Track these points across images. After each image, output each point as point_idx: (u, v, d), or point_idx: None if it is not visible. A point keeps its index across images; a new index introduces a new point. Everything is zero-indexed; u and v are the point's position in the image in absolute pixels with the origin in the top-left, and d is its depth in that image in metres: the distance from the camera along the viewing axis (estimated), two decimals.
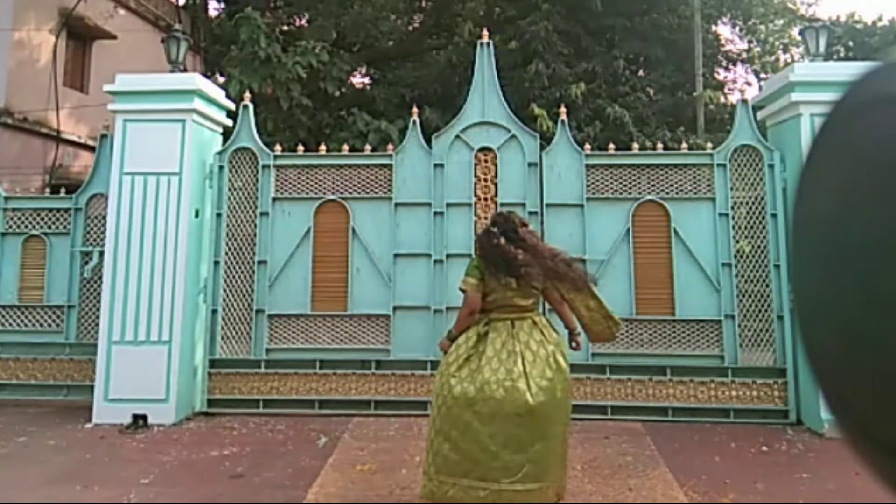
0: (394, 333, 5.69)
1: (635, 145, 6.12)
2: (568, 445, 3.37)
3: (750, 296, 5.55)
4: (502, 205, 5.68)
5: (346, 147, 6.14)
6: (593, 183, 5.77)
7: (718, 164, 5.69)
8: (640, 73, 12.85)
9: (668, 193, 5.71)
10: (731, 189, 5.67)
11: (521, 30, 11.83)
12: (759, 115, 5.97)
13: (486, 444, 3.04)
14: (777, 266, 5.49)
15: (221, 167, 5.92)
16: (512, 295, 3.30)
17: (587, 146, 5.93)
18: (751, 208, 5.65)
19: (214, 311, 5.76)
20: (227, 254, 5.83)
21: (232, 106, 6.37)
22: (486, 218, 5.75)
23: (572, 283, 3.36)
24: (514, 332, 3.26)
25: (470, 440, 3.07)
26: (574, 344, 3.63)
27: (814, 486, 3.98)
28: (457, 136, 5.88)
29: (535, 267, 3.27)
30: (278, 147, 6.10)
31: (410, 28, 15.17)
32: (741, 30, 14.82)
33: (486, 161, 5.86)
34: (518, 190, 5.76)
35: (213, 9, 14.95)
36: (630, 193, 5.74)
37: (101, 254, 5.71)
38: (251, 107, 6.07)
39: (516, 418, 3.02)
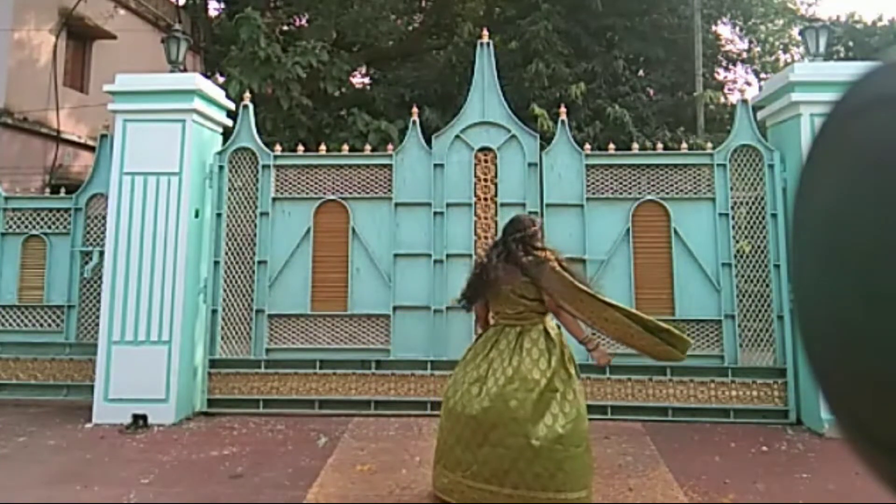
0: (394, 333, 5.69)
1: (635, 145, 6.11)
2: (573, 461, 3.14)
3: (750, 296, 5.54)
4: (502, 205, 5.68)
5: (346, 147, 6.13)
6: (593, 183, 5.77)
7: (718, 164, 5.69)
8: (640, 73, 12.84)
9: (668, 193, 5.71)
10: (731, 189, 5.67)
11: (521, 30, 11.83)
12: (759, 115, 5.96)
13: (446, 438, 3.37)
14: (777, 266, 5.49)
15: (221, 167, 5.92)
16: (499, 303, 3.46)
17: (587, 146, 5.93)
18: (751, 208, 5.65)
19: (214, 311, 5.76)
20: (227, 254, 5.83)
21: (232, 106, 6.37)
22: (486, 218, 5.77)
23: (519, 286, 3.39)
24: (498, 339, 3.42)
25: (440, 431, 3.46)
26: (591, 358, 3.57)
27: (814, 486, 3.98)
28: (457, 136, 5.88)
29: (471, 276, 3.59)
30: (278, 147, 6.10)
31: (410, 28, 15.16)
32: (741, 30, 14.81)
33: (486, 161, 5.86)
34: (518, 190, 5.76)
35: (213, 9, 14.98)
36: (630, 193, 5.74)
37: (101, 254, 5.71)
38: (251, 107, 6.07)
39: (464, 419, 3.27)
